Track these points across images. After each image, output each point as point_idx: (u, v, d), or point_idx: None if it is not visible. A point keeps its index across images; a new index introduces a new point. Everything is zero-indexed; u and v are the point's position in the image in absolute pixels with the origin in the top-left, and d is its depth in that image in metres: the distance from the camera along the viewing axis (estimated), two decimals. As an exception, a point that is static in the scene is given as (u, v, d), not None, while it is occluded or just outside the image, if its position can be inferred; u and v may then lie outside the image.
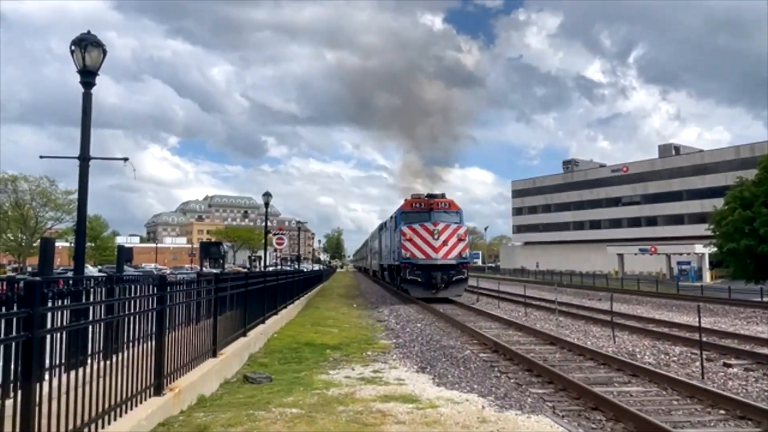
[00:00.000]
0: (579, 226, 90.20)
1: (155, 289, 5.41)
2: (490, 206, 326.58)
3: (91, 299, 4.31)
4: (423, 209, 24.14)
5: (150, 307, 5.24)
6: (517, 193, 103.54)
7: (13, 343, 3.40)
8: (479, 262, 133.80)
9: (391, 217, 28.06)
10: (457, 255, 23.10)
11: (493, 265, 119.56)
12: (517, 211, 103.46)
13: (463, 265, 23.43)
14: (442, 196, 25.00)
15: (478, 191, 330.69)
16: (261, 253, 72.26)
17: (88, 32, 7.28)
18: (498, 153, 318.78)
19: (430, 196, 24.83)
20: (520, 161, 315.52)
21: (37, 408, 3.37)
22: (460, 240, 23.28)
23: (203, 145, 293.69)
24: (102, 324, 4.50)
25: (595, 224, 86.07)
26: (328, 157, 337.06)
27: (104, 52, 7.28)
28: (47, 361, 3.66)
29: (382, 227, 33.01)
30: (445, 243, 22.96)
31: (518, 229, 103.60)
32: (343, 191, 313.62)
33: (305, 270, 33.60)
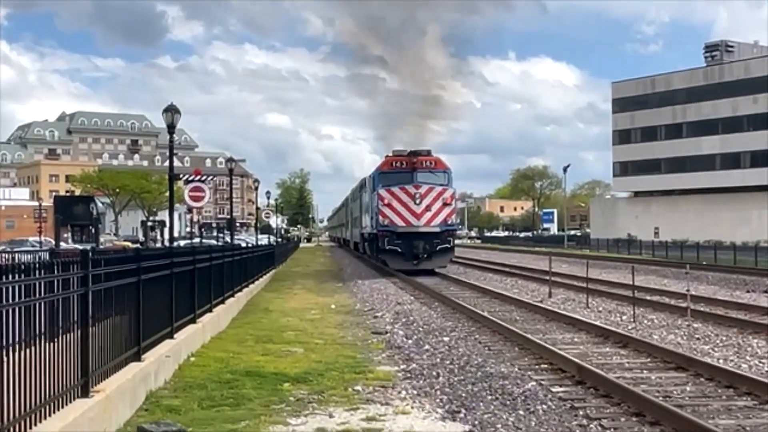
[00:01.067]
0: (732, 161, 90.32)
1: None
2: (571, 128, 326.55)
3: None
4: (404, 169, 33.16)
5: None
6: (622, 104, 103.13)
7: None
8: (554, 229, 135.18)
9: (366, 181, 38.23)
10: (441, 221, 32.32)
11: (578, 232, 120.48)
12: (622, 137, 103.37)
13: (449, 232, 32.88)
14: (428, 153, 34.17)
15: (550, 101, 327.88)
16: (164, 214, 72.68)
17: None
18: (586, 32, 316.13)
19: (413, 153, 33.69)
20: (626, 47, 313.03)
21: None
22: (445, 204, 32.38)
23: (51, 21, 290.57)
24: None
25: (762, 158, 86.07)
26: (278, 42, 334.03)
27: None
28: None
29: (362, 186, 42.43)
30: (428, 208, 31.89)
31: (623, 168, 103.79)
32: (309, 104, 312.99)
33: (245, 245, 33.93)
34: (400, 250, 34.00)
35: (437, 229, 33.59)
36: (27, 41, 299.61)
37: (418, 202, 33.37)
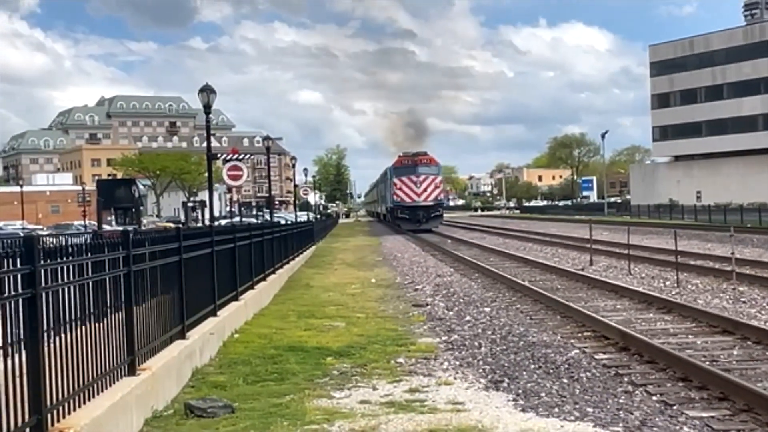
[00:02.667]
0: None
1: (15, 262, 5.50)
2: (606, 94, 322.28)
3: None
4: (409, 165, 53.75)
5: (8, 294, 5.35)
6: (660, 68, 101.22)
7: None
8: (593, 197, 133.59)
9: (387, 171, 59.59)
10: (433, 198, 53.00)
11: (618, 199, 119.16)
12: (661, 101, 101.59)
13: (438, 205, 53.93)
14: (425, 154, 54.96)
15: (583, 67, 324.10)
16: (204, 194, 73.28)
17: None
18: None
19: (415, 154, 54.83)
20: (659, 10, 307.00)
21: None
22: (436, 187, 53.25)
23: (82, 8, 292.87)
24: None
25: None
26: (307, 19, 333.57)
27: None
28: None
29: (385, 175, 64.59)
30: (425, 190, 52.30)
31: (663, 133, 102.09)
32: (340, 80, 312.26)
33: (284, 223, 34.13)
34: (408, 217, 53.85)
35: (431, 203, 53.88)
36: (60, 28, 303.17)
37: (418, 186, 53.46)
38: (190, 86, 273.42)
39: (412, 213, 53.57)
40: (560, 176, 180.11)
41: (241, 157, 35.77)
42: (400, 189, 54.25)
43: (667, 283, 18.34)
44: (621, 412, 7.70)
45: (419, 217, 53.12)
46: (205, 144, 29.18)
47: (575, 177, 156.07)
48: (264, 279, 17.83)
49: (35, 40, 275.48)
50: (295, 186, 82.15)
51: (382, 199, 73.72)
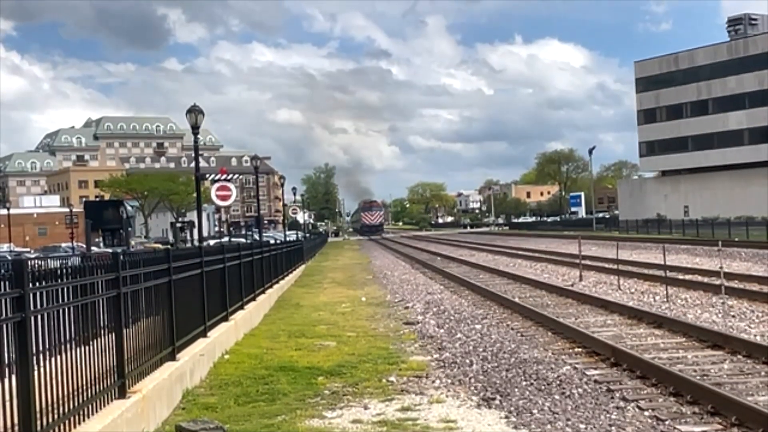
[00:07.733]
0: (760, 135, 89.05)
1: (4, 285, 5.49)
2: (585, 110, 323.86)
3: None
4: (368, 207, 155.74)
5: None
6: (646, 84, 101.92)
7: None
8: (581, 212, 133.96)
9: (359, 207, 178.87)
10: (379, 222, 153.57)
11: (607, 214, 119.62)
12: (648, 116, 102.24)
13: (381, 225, 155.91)
14: (375, 201, 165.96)
15: (560, 82, 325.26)
16: (193, 215, 73.03)
17: None
18: (594, 13, 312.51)
19: (371, 201, 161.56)
20: (637, 27, 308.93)
21: None
22: (380, 216, 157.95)
23: (55, 30, 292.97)
24: None
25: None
26: (283, 39, 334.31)
27: None
28: None
29: (358, 208, 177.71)
30: (375, 218, 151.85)
31: (650, 148, 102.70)
32: (318, 99, 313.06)
33: (273, 242, 34.09)
34: (367, 230, 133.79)
35: (378, 224, 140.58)
36: (36, 51, 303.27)
37: (372, 216, 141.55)
38: (169, 107, 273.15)
39: (369, 228, 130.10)
40: (548, 192, 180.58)
41: (229, 177, 35.79)
42: (364, 217, 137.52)
43: (657, 297, 18.41)
44: (613, 427, 7.71)
45: (373, 230, 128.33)
46: (193, 164, 29.16)
47: (563, 193, 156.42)
48: (254, 299, 17.79)
49: (11, 63, 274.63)
50: (284, 205, 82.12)
51: (357, 221, 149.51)
